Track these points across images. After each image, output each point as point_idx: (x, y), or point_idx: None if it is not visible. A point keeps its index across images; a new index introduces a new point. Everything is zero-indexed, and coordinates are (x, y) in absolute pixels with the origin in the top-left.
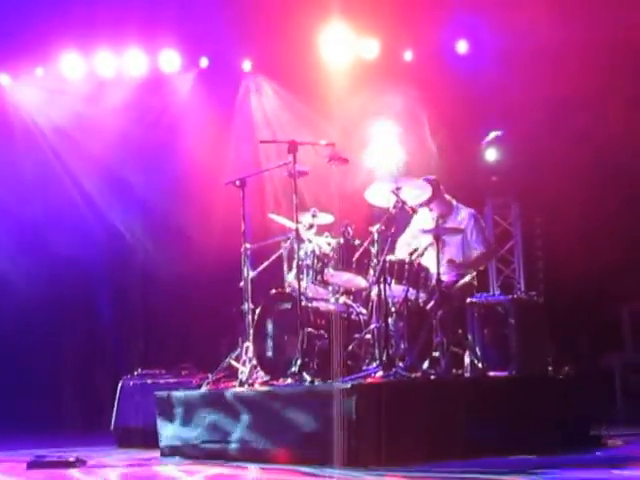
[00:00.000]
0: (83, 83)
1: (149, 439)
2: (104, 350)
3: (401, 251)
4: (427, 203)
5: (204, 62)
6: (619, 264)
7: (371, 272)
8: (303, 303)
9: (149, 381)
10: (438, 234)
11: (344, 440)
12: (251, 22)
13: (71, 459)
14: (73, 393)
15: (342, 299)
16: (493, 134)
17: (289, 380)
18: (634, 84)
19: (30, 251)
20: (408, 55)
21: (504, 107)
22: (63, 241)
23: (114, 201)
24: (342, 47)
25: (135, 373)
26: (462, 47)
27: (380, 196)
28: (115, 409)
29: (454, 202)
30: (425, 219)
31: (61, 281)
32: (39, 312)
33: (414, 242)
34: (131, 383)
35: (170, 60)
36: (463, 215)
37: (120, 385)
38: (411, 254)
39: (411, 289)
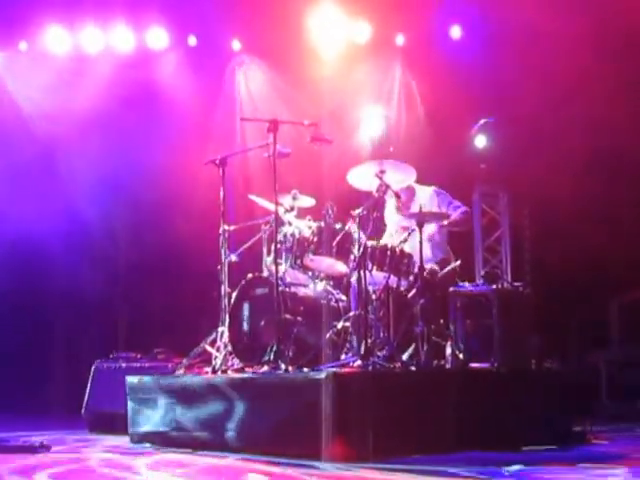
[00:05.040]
0: (67, 58)
1: (120, 425)
2: (84, 334)
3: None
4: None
5: (192, 40)
6: (609, 257)
7: (352, 258)
8: (281, 288)
9: (123, 365)
10: (422, 220)
11: (321, 433)
12: (240, 1)
13: (35, 445)
14: (58, 376)
15: (321, 285)
16: (483, 121)
17: (264, 367)
18: (630, 69)
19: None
20: (400, 39)
21: (496, 94)
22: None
23: (90, 180)
24: (333, 30)
25: (110, 356)
26: (455, 32)
27: (363, 179)
28: (87, 393)
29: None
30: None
31: (40, 266)
32: (21, 299)
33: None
34: (104, 366)
35: (157, 37)
36: (422, 195)
37: (93, 368)
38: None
39: (392, 276)
